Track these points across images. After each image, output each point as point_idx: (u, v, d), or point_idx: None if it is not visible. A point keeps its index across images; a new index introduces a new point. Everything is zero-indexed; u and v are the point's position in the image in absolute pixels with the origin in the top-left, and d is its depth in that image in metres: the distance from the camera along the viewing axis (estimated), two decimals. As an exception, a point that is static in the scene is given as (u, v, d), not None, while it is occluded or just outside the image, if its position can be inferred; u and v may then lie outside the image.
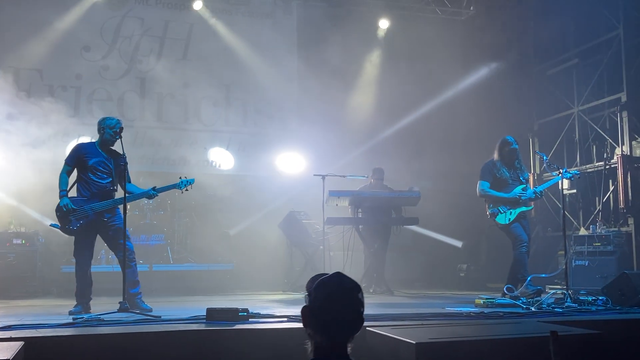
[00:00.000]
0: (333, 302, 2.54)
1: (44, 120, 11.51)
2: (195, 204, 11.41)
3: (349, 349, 2.56)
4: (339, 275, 2.61)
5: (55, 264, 10.24)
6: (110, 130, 6.77)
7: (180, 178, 7.00)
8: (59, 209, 6.62)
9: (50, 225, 6.89)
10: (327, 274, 2.67)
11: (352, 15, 13.51)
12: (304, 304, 2.63)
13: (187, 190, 7.04)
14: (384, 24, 13.73)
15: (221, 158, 12.55)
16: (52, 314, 6.38)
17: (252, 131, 12.86)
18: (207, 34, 12.68)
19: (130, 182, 6.94)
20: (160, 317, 5.66)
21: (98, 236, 6.86)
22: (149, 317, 5.69)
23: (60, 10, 11.77)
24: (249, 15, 13.08)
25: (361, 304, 2.58)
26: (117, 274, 6.64)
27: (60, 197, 6.64)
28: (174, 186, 6.99)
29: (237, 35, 12.77)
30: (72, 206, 6.58)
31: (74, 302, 6.63)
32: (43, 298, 9.25)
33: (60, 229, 6.68)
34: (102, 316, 5.57)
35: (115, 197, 6.83)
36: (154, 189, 6.88)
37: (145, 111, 12.24)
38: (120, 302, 6.00)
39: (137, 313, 5.94)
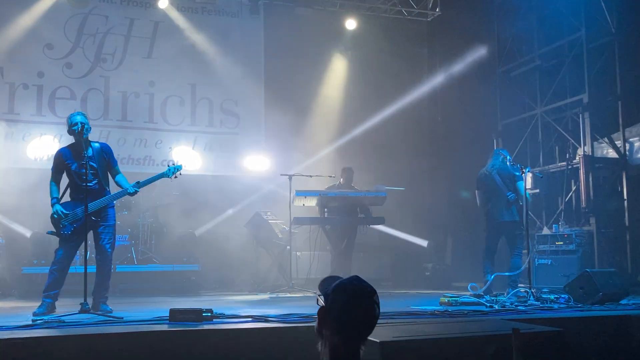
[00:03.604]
0: (354, 305, 2.57)
1: (4, 119, 11.31)
2: (160, 204, 11.28)
3: (361, 351, 2.59)
4: (358, 279, 2.66)
5: (16, 266, 10.02)
6: (74, 127, 6.49)
7: (167, 165, 6.81)
8: (51, 217, 6.55)
9: (47, 233, 6.77)
10: (340, 277, 2.71)
11: (319, 16, 13.53)
12: (321, 305, 2.65)
13: (175, 177, 6.82)
14: (350, 24, 13.74)
15: (187, 158, 12.42)
16: (11, 315, 6.24)
17: (218, 131, 12.78)
18: (173, 33, 12.57)
19: (119, 172, 6.80)
20: (122, 318, 5.58)
21: None
22: (110, 319, 5.60)
23: (22, 7, 11.56)
24: (215, 14, 12.99)
25: (378, 306, 2.64)
26: (79, 275, 6.49)
27: (52, 205, 6.55)
28: (161, 175, 6.76)
29: (203, 34, 12.69)
30: (64, 211, 6.49)
31: (36, 304, 6.48)
32: (3, 300, 9.05)
33: (56, 234, 6.58)
34: (62, 318, 5.47)
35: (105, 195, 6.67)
36: (137, 183, 6.64)
37: (109, 110, 12.08)
38: (81, 304, 5.88)
39: (99, 314, 5.85)
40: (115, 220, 6.79)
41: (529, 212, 9.32)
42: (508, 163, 8.88)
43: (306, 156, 12.50)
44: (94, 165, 6.60)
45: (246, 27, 13.16)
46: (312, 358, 4.93)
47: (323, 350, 2.61)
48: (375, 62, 13.46)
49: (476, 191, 9.39)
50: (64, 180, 6.77)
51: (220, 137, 12.74)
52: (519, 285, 8.42)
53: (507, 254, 9.16)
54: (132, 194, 6.70)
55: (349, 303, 2.57)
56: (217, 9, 13.01)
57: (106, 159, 6.75)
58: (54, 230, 6.58)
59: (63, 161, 6.65)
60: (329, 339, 2.59)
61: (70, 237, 6.54)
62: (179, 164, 6.87)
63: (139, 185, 6.66)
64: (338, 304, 2.58)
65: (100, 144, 6.83)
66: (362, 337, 2.59)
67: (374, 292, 2.63)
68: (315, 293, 9.22)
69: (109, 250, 6.63)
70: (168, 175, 6.77)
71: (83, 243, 6.32)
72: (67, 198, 6.74)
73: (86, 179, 6.31)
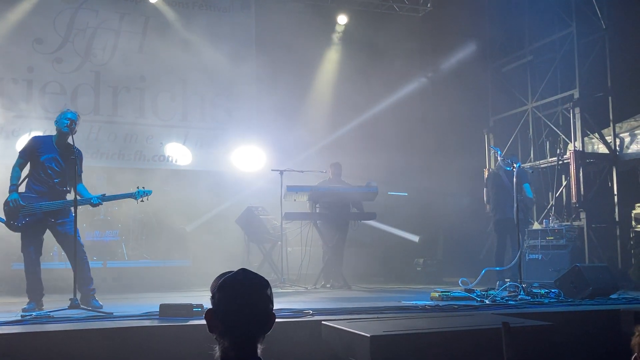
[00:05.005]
0: (239, 302, 2.33)
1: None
2: (150, 199, 11.18)
3: (259, 350, 2.36)
4: (243, 272, 2.40)
5: (6, 261, 9.95)
6: (66, 120, 6.52)
7: (137, 187, 6.73)
8: (6, 203, 6.42)
9: None
10: (231, 272, 2.44)
11: (310, 11, 13.49)
12: (208, 308, 2.40)
13: (142, 201, 6.73)
14: (342, 19, 13.73)
15: (178, 153, 12.40)
16: (1, 311, 6.20)
17: (209, 126, 12.72)
18: (164, 28, 12.48)
19: (81, 181, 6.65)
20: (112, 313, 5.55)
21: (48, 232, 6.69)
22: (100, 314, 5.58)
23: (11, 1, 11.46)
24: (206, 9, 12.93)
25: (270, 301, 2.40)
26: (69, 270, 6.50)
27: (10, 191, 6.43)
28: (128, 195, 6.69)
29: (195, 29, 12.61)
30: (21, 202, 6.39)
31: (26, 300, 6.46)
32: (-7, 296, 9.00)
33: (5, 223, 6.46)
34: (51, 313, 5.44)
35: (66, 199, 6.63)
36: (103, 196, 6.61)
37: (99, 105, 12.01)
38: (70, 299, 5.86)
39: (89, 310, 5.82)
40: (73, 215, 6.48)
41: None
42: (499, 158, 8.98)
43: (298, 151, 12.48)
44: (62, 164, 6.57)
45: (237, 22, 13.11)
46: (305, 353, 4.94)
47: (216, 355, 2.37)
48: (367, 58, 13.44)
49: (484, 189, 9.80)
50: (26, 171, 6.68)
51: (211, 132, 12.69)
52: (506, 280, 8.48)
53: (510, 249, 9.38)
54: (94, 205, 6.62)
55: (233, 301, 2.33)
56: (208, 4, 12.95)
57: (72, 164, 6.58)
58: (4, 218, 6.44)
59: (35, 149, 6.59)
60: (221, 343, 2.35)
61: (21, 229, 6.44)
62: (149, 189, 6.78)
63: (104, 198, 6.62)
64: (223, 303, 2.34)
65: (75, 148, 6.65)
66: (254, 336, 2.35)
67: (266, 285, 2.40)
68: (306, 288, 9.23)
69: (81, 242, 6.54)
70: (135, 197, 6.69)
71: (62, 240, 6.39)
72: (22, 188, 6.60)
73: (54, 175, 6.39)
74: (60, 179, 6.58)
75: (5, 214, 6.44)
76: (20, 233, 6.51)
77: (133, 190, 6.73)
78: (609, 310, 6.21)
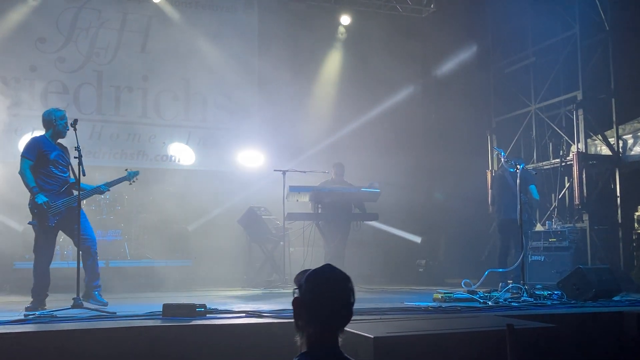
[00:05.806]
0: (326, 292, 2.55)
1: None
2: (153, 199, 11.23)
3: (340, 341, 2.56)
4: (330, 267, 2.64)
5: (8, 261, 9.96)
6: (61, 121, 6.72)
7: (126, 170, 7.21)
8: (37, 206, 6.43)
9: (28, 224, 6.66)
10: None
11: (313, 11, 13.50)
12: (295, 296, 2.62)
13: (134, 181, 7.23)
14: (345, 20, 13.73)
15: (180, 153, 12.40)
16: (3, 310, 6.21)
17: (212, 126, 12.73)
18: (167, 27, 12.49)
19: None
20: (115, 313, 5.56)
21: None
22: (103, 313, 5.58)
23: (14, 0, 11.47)
24: (209, 9, 12.92)
25: (352, 294, 2.60)
26: (72, 270, 6.51)
27: (35, 193, 6.45)
28: (123, 179, 7.11)
29: (197, 28, 12.62)
30: (50, 203, 6.46)
31: (28, 299, 6.46)
32: (-5, 295, 9.00)
33: (39, 226, 6.50)
34: (55, 312, 5.44)
35: (72, 192, 6.77)
36: (107, 183, 6.94)
37: (102, 105, 12.01)
38: (74, 298, 5.86)
39: (92, 309, 5.83)
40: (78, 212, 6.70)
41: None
42: (503, 159, 8.97)
43: (300, 152, 12.47)
44: (67, 159, 6.79)
45: (240, 22, 13.10)
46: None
47: (300, 342, 2.59)
48: (370, 58, 13.43)
49: (489, 190, 9.80)
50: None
51: (213, 132, 12.70)
52: (509, 281, 8.47)
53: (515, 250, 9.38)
54: (102, 192, 7.02)
55: (321, 291, 2.55)
56: (211, 4, 12.94)
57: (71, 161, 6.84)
58: (36, 221, 6.49)
59: (41, 149, 6.68)
60: (305, 330, 2.56)
61: (54, 229, 6.57)
62: (136, 170, 7.34)
63: (109, 184, 6.96)
64: (310, 293, 2.56)
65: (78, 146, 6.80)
66: (337, 325, 2.57)
67: (348, 279, 2.60)
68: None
69: (92, 236, 6.73)
70: (129, 179, 7.16)
71: (74, 234, 6.47)
72: None
73: (64, 170, 6.65)
74: (68, 173, 6.77)
75: (36, 217, 6.49)
76: (35, 233, 6.59)
77: (125, 176, 7.20)
78: (611, 312, 6.21)
